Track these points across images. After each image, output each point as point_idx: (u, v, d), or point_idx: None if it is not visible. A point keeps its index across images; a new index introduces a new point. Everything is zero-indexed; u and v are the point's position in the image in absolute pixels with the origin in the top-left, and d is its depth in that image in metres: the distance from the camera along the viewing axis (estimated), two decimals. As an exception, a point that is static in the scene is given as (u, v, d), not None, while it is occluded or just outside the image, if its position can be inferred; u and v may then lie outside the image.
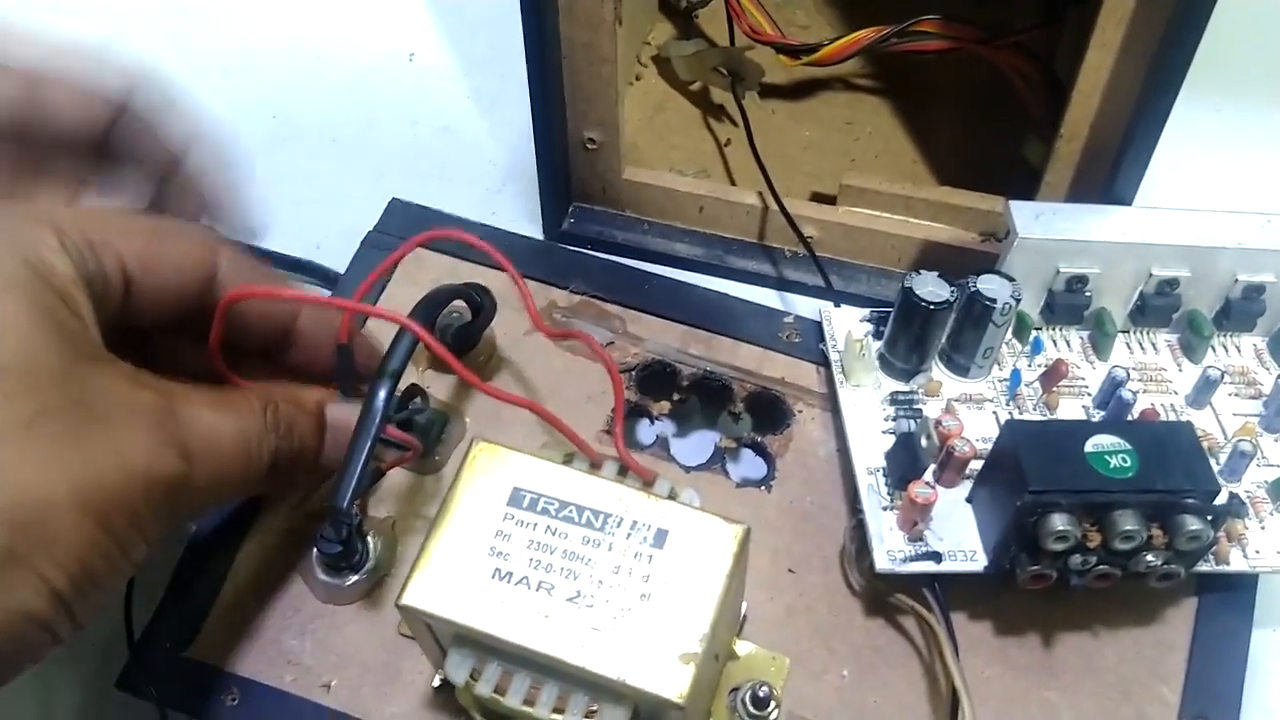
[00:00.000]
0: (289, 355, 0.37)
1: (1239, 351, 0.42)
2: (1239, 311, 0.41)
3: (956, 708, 0.34)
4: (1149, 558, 0.33)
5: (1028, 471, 0.33)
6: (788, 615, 0.37)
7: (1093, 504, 0.33)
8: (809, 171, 0.50)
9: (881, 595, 0.37)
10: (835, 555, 0.38)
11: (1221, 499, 0.34)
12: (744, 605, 0.37)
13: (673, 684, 0.29)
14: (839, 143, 0.52)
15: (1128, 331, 0.41)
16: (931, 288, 0.38)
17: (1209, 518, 0.33)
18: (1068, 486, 0.33)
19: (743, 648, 0.36)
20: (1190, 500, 0.33)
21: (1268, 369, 0.41)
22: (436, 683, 0.36)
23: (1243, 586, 0.37)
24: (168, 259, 0.32)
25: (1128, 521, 0.32)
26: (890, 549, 0.35)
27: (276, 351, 0.37)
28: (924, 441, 0.36)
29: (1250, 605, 0.37)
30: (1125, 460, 0.33)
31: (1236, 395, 0.40)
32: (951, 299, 0.37)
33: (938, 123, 0.52)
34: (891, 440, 0.38)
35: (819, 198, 0.49)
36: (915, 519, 0.35)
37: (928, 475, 0.36)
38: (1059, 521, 0.32)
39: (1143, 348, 0.41)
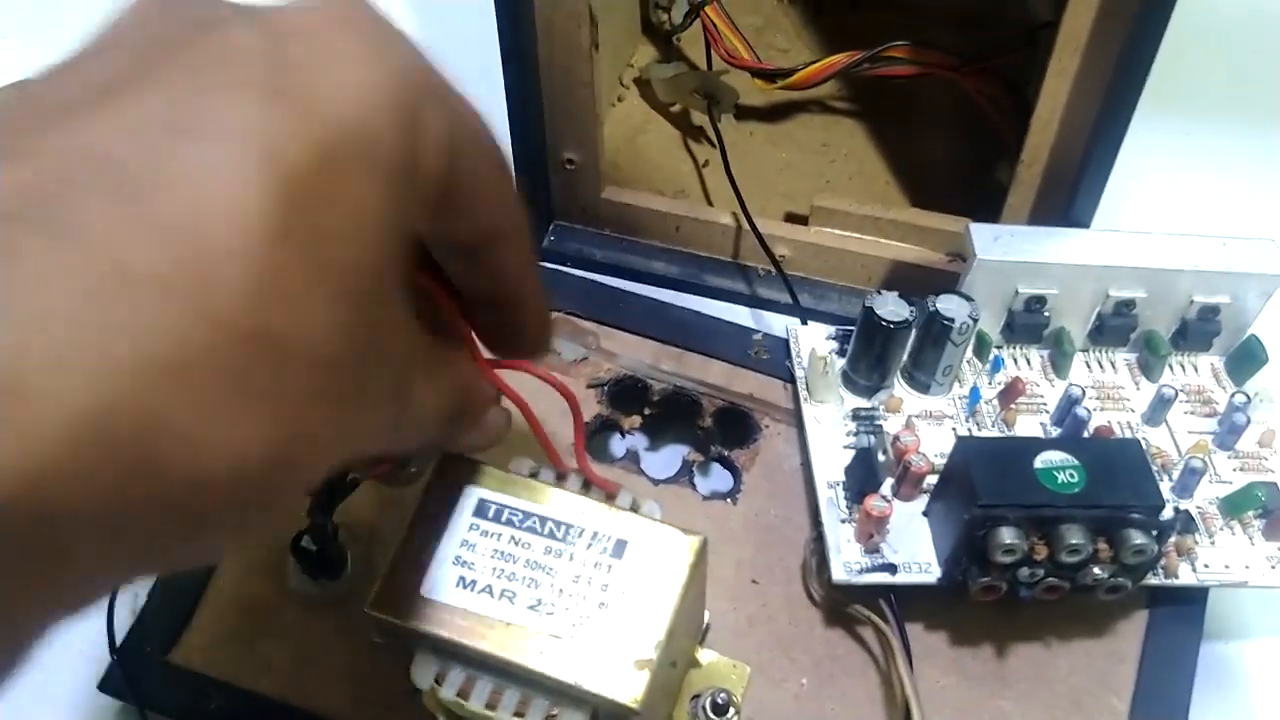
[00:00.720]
0: (486, 319, 0.30)
1: (1196, 371, 0.43)
2: (1195, 332, 0.42)
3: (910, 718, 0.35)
4: (1096, 571, 0.34)
5: (977, 486, 0.34)
6: (750, 625, 0.38)
7: (1040, 518, 0.34)
8: (784, 192, 0.51)
9: (841, 606, 0.38)
10: (797, 567, 0.39)
11: (1167, 514, 0.35)
12: (706, 615, 0.38)
13: (628, 689, 0.30)
14: (814, 164, 0.53)
15: (1087, 350, 0.43)
16: (892, 307, 0.39)
17: (1154, 533, 0.34)
18: (1016, 501, 0.34)
19: (705, 656, 0.37)
20: (1135, 515, 0.34)
21: (1223, 388, 0.42)
22: (408, 687, 0.37)
23: (1193, 600, 0.38)
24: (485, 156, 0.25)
25: (1074, 535, 0.33)
26: (847, 560, 0.36)
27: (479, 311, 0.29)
28: (881, 456, 0.37)
29: (1200, 618, 0.38)
30: (1073, 476, 0.34)
31: (1192, 413, 0.41)
32: (911, 318, 0.39)
33: (912, 145, 0.53)
34: (852, 455, 0.39)
35: (793, 218, 0.50)
36: (871, 531, 0.36)
37: (885, 489, 0.37)
38: (1007, 535, 0.33)
39: (1101, 366, 0.42)
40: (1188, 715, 0.37)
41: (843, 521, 0.37)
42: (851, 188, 0.52)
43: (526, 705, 0.31)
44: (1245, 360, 0.42)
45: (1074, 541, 0.33)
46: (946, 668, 0.38)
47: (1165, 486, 0.39)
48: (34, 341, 0.16)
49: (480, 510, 0.32)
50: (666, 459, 0.43)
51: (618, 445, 0.43)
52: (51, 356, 0.17)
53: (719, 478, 0.42)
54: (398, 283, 0.22)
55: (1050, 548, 0.34)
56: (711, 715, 0.36)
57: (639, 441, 0.43)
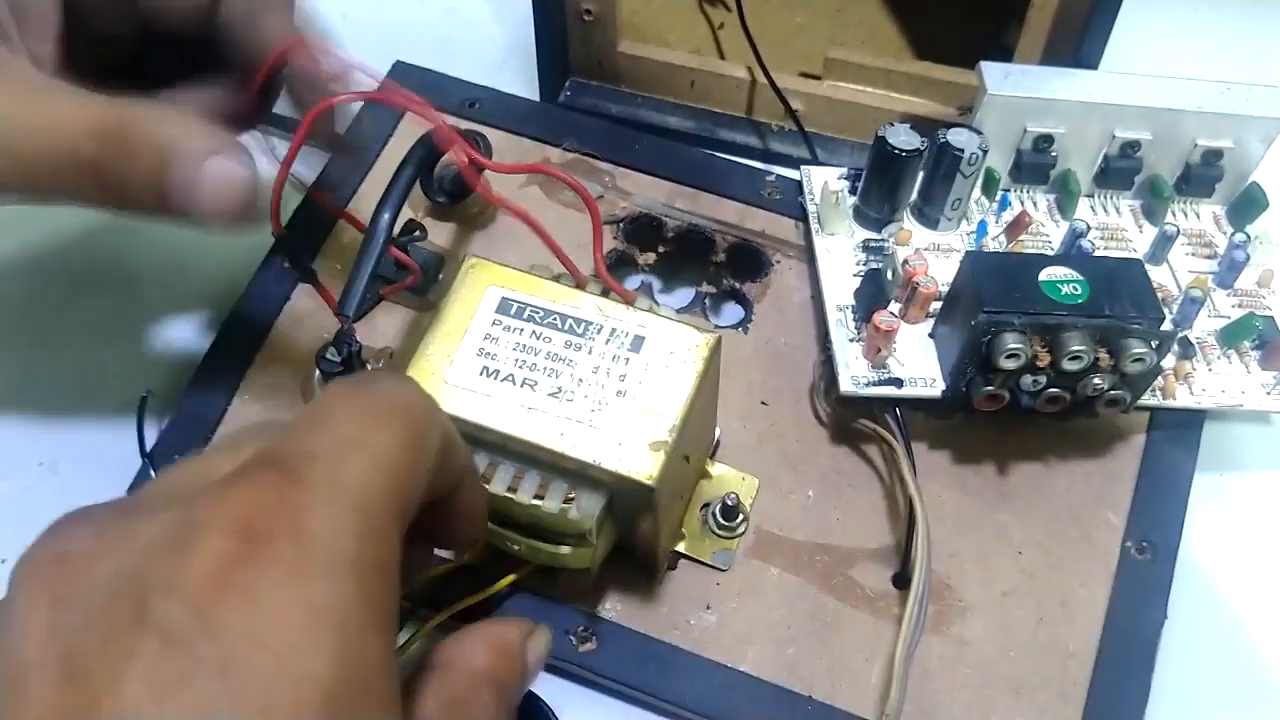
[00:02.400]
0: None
1: (1198, 217, 0.44)
2: (1198, 177, 0.43)
3: (913, 522, 0.37)
4: (1096, 381, 0.36)
5: (983, 293, 0.35)
6: (759, 442, 0.40)
7: (1043, 325, 0.35)
8: (799, 54, 0.52)
9: (847, 424, 0.40)
10: (805, 389, 0.41)
11: (1167, 326, 0.36)
12: (718, 431, 0.40)
13: (643, 468, 0.31)
14: (828, 28, 0.54)
15: (1092, 196, 0.44)
16: (904, 137, 0.40)
17: (1154, 343, 0.35)
18: (1020, 309, 0.35)
19: (716, 470, 0.39)
20: (1136, 325, 0.35)
21: (1224, 233, 0.43)
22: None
23: (1189, 425, 0.40)
24: None
25: (1075, 342, 0.35)
26: (855, 374, 0.38)
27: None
28: (890, 275, 0.39)
29: (1195, 443, 0.40)
30: (1076, 289, 0.36)
31: (1193, 254, 0.43)
32: (922, 148, 0.40)
33: (924, 9, 0.54)
34: (861, 278, 0.40)
35: (808, 77, 0.51)
36: (879, 346, 0.38)
37: (892, 307, 0.39)
38: (1010, 339, 0.35)
39: (1105, 210, 0.44)
40: (1180, 530, 0.38)
41: (851, 340, 0.39)
42: (865, 51, 0.53)
43: (546, 488, 0.33)
44: (1247, 207, 0.43)
45: (1075, 348, 0.35)
46: (949, 483, 0.39)
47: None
48: None
49: (503, 307, 0.34)
50: (680, 297, 0.45)
51: (632, 281, 0.45)
52: None
53: (731, 312, 0.44)
54: None
55: (1052, 355, 0.35)
56: (721, 519, 0.38)
57: (653, 280, 0.45)
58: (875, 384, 0.38)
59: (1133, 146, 0.42)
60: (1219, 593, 0.40)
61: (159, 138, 0.33)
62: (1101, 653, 0.37)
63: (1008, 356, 0.35)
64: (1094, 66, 0.43)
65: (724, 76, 0.50)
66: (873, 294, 0.39)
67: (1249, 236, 0.42)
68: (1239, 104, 0.42)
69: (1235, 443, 0.43)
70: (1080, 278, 0.36)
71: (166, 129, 0.33)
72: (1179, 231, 0.42)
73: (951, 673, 0.36)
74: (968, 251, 0.39)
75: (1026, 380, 0.36)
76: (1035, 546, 0.38)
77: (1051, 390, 0.36)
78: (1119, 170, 0.43)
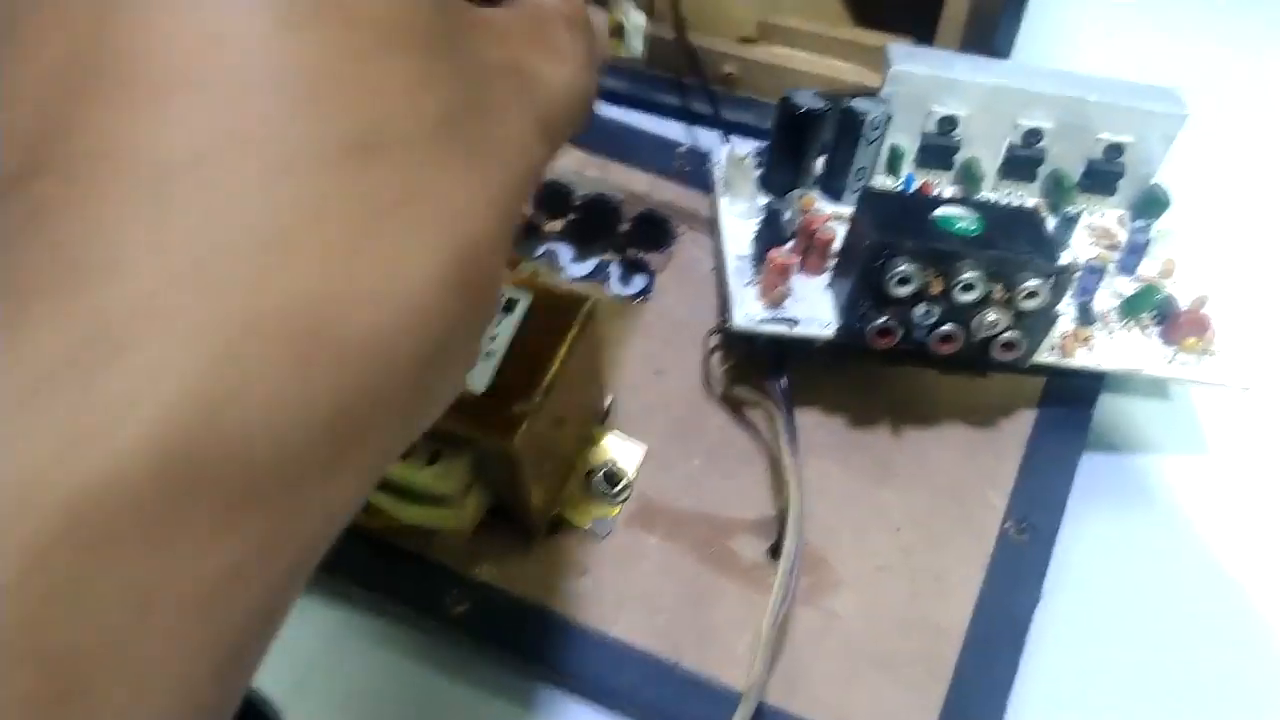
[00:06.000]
0: None
1: (1102, 217, 0.47)
2: (1100, 173, 0.46)
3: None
4: (990, 316, 0.38)
5: (877, 222, 0.38)
6: (649, 412, 0.43)
7: (935, 251, 0.37)
8: (736, 18, 0.55)
9: (737, 396, 0.42)
10: (699, 362, 0.44)
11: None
12: (609, 399, 0.42)
13: (506, 433, 0.34)
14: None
15: (996, 191, 0.47)
16: (809, 100, 0.43)
17: (1048, 278, 0.38)
18: (912, 236, 0.37)
19: (607, 439, 0.42)
20: (1029, 259, 0.38)
21: (1127, 231, 0.46)
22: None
23: (1080, 403, 0.43)
24: None
25: (968, 269, 0.37)
26: (748, 311, 0.40)
27: None
28: (787, 214, 0.41)
29: (1085, 424, 0.43)
30: (972, 225, 0.38)
31: (1095, 244, 0.45)
32: (825, 108, 0.42)
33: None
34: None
35: (745, 41, 0.53)
36: (776, 283, 0.40)
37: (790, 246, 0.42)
38: (902, 263, 0.37)
39: (1010, 201, 0.46)
40: (1062, 513, 0.41)
41: (747, 284, 0.41)
42: (799, 16, 0.55)
43: (412, 448, 0.35)
44: (1149, 206, 0.46)
45: (968, 275, 0.37)
46: (832, 459, 0.42)
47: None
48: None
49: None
50: (586, 268, 0.47)
51: (539, 249, 0.47)
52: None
53: (633, 282, 0.47)
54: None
55: (945, 284, 0.37)
56: (605, 485, 0.41)
57: (559, 246, 0.48)
58: (769, 321, 0.40)
59: (1036, 135, 0.45)
60: (1096, 577, 0.42)
61: None
62: (971, 631, 0.39)
63: (899, 282, 0.37)
64: (1006, 51, 0.46)
65: (661, 39, 0.52)
66: (770, 236, 0.41)
67: (1150, 225, 0.44)
68: (1141, 100, 0.44)
69: (1128, 424, 0.45)
70: (975, 216, 0.38)
71: None
72: (1080, 213, 0.44)
73: (819, 644, 0.39)
74: (863, 188, 0.41)
75: (919, 311, 0.38)
76: (914, 523, 0.41)
77: (945, 328, 0.38)
78: (1022, 159, 0.45)
